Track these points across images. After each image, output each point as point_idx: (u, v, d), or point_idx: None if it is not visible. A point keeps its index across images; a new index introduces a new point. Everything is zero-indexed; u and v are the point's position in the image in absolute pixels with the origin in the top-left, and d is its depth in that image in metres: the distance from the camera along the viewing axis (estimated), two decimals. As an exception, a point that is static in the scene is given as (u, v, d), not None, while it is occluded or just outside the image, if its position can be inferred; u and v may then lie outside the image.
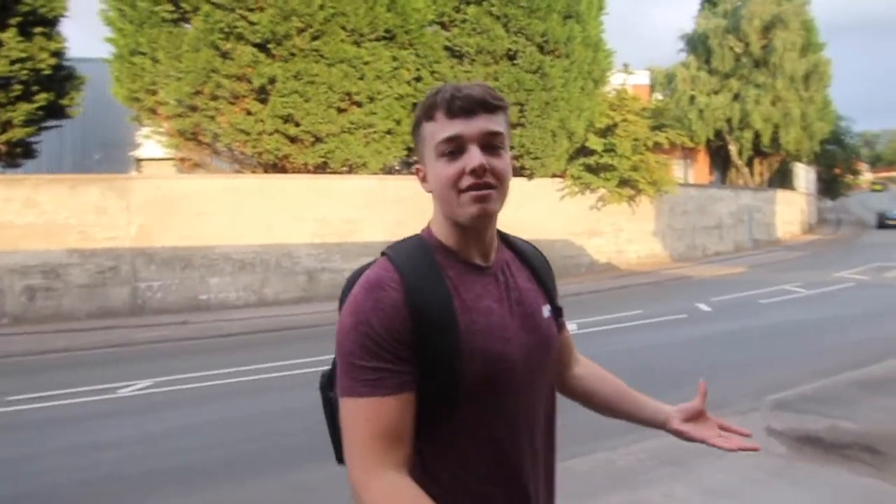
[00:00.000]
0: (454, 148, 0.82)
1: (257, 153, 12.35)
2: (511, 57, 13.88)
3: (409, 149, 14.58)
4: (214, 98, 11.63)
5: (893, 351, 5.58)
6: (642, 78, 24.77)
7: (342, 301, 0.86)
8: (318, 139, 12.33)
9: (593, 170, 15.83)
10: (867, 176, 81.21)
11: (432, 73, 13.62)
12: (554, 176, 15.74)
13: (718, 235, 21.42)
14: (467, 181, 0.81)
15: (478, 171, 0.80)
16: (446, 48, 13.68)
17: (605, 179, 16.12)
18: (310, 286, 12.77)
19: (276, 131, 11.90)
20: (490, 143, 0.82)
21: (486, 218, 0.84)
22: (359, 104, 12.60)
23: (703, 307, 9.28)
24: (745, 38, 26.49)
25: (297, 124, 11.89)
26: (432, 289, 0.81)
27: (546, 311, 0.93)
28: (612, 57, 16.01)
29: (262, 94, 11.79)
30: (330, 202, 12.82)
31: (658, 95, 26.40)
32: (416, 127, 0.88)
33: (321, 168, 12.95)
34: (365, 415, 0.76)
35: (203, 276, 11.68)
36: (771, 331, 7.57)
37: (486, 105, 0.82)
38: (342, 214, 12.93)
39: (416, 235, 0.91)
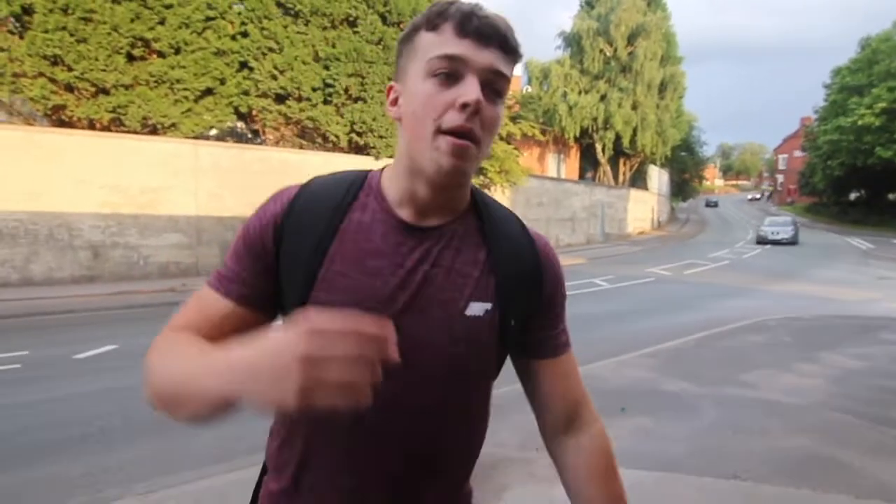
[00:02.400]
0: (451, 71, 0.64)
1: (30, 100, 9.94)
2: (351, 23, 12.58)
3: (239, 114, 12.90)
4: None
5: (637, 344, 5.35)
6: (515, 69, 24.66)
7: None
8: (101, 90, 10.19)
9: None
10: (719, 182, 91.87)
11: (262, 29, 11.94)
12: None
13: (571, 228, 22.05)
14: (452, 119, 0.64)
15: (471, 108, 0.63)
16: (279, 4, 12.04)
17: (457, 165, 15.62)
18: (95, 263, 10.67)
19: (41, 74, 9.59)
20: (493, 86, 0.66)
21: (456, 176, 0.67)
22: (161, 54, 10.61)
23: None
24: (614, 42, 27.46)
25: (70, 69, 9.67)
26: (318, 218, 0.70)
27: (478, 308, 0.71)
28: (468, 39, 15.28)
29: (19, 26, 9.40)
30: (125, 167, 10.74)
31: (529, 88, 26.57)
32: (409, 36, 0.69)
33: (117, 126, 10.81)
34: (200, 298, 0.73)
35: (-70, 247, 9.22)
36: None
37: (505, 40, 0.66)
38: (141, 182, 10.91)
39: (357, 171, 0.77)
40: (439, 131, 0.64)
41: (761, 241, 22.17)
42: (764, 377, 4.47)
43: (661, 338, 5.90)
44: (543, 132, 27.98)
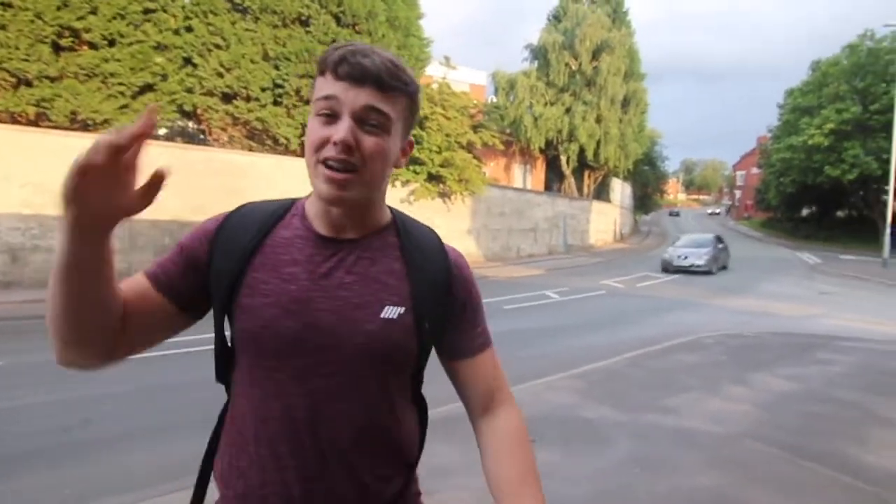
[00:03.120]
0: (329, 110, 0.74)
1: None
2: (303, 23, 12.12)
3: (184, 113, 12.23)
4: None
5: (571, 363, 5.01)
6: (479, 78, 24.58)
7: None
8: (23, 81, 9.42)
9: (403, 161, 14.79)
10: (682, 196, 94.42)
11: (207, 24, 11.35)
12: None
13: (534, 238, 21.92)
14: (328, 152, 0.73)
15: (340, 146, 0.72)
16: (226, -1, 11.49)
17: (415, 173, 15.26)
18: (13, 268, 9.83)
19: (-49, 62, 8.80)
20: (368, 120, 0.74)
21: (339, 202, 0.76)
22: (93, 45, 9.92)
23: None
24: (579, 57, 27.71)
25: (-15, 57, 8.91)
26: (242, 235, 0.80)
27: (391, 311, 0.78)
28: (428, 46, 15.00)
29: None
30: (50, 165, 9.96)
31: (494, 98, 26.53)
32: (315, 77, 0.79)
33: (43, 121, 10.02)
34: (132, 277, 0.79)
35: None
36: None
37: (378, 80, 0.74)
38: (69, 180, 10.15)
39: (289, 199, 0.87)
40: (318, 163, 0.74)
41: (666, 268, 15.98)
42: (689, 402, 4.20)
43: (598, 356, 5.62)
44: (509, 143, 27.97)
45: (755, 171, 45.60)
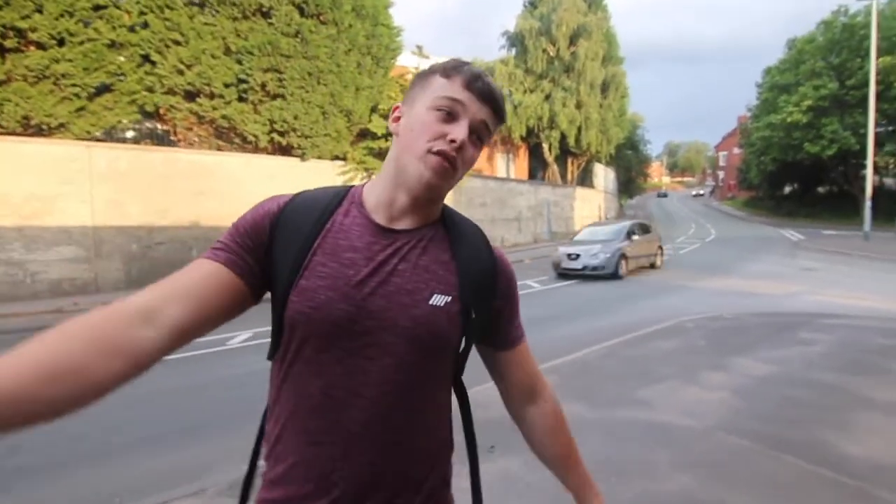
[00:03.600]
0: (451, 110, 0.79)
1: None
2: (265, 14, 11.65)
3: (146, 113, 11.73)
4: None
5: (547, 355, 4.75)
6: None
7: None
8: (-34, 85, 8.91)
9: (378, 154, 14.41)
10: (666, 179, 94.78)
11: (164, 20, 10.84)
12: (336, 158, 14.02)
13: (518, 228, 21.69)
14: (442, 145, 0.78)
15: (456, 144, 0.78)
16: (183, -8, 10.98)
17: (391, 166, 14.92)
18: (-32, 281, 9.39)
19: None
20: (479, 133, 0.82)
21: (432, 188, 0.80)
22: (40, 45, 9.41)
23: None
24: (556, 42, 27.38)
25: (-77, 61, 8.39)
26: (306, 219, 0.81)
27: (440, 299, 0.81)
28: (399, 35, 14.59)
29: None
30: (4, 172, 9.49)
31: (471, 87, 26.06)
32: (425, 75, 0.84)
33: (-6, 127, 9.51)
34: (189, 267, 0.77)
35: None
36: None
37: (497, 105, 0.83)
38: (25, 189, 9.67)
39: (344, 186, 0.89)
40: (429, 151, 0.78)
41: (556, 270, 12.10)
42: (664, 393, 3.96)
43: (574, 347, 5.38)
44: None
45: (737, 151, 45.76)
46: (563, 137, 27.48)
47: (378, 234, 0.81)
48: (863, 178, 21.86)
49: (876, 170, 31.08)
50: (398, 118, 0.84)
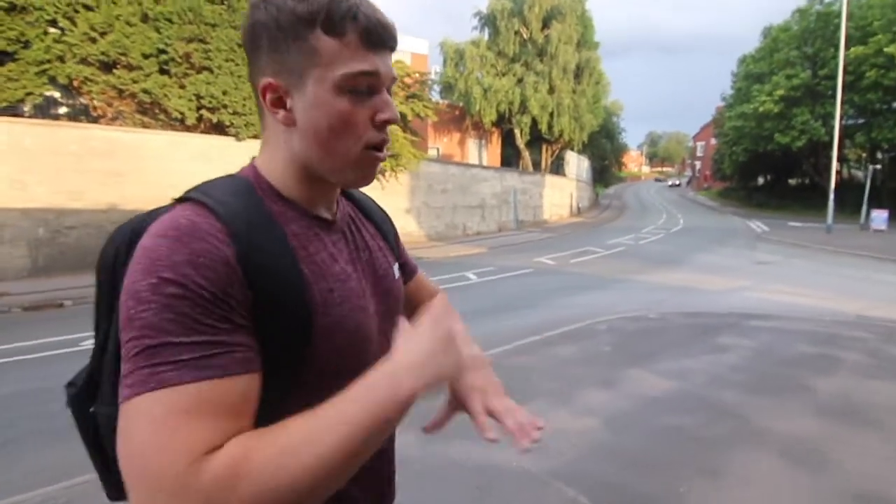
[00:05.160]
0: (367, 86, 0.61)
1: None
2: (186, -22, 10.58)
3: (58, 85, 10.65)
4: None
5: None
6: (421, 47, 23.10)
7: (108, 266, 0.63)
8: None
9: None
10: (646, 169, 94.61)
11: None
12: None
13: (481, 215, 20.93)
14: (374, 136, 0.63)
15: (389, 125, 0.64)
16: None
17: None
18: None
19: None
20: (390, 90, 0.64)
21: (367, 183, 0.67)
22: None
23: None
24: (529, 24, 26.40)
25: None
26: (272, 248, 0.58)
27: (396, 271, 0.77)
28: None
29: None
30: None
31: (437, 68, 25.16)
32: (295, 30, 0.59)
33: None
34: (181, 405, 0.48)
35: None
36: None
37: (396, 43, 0.64)
38: None
39: (233, 176, 0.64)
40: (363, 148, 0.63)
41: None
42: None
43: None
44: (461, 117, 26.69)
45: (714, 141, 45.38)
46: (535, 123, 26.67)
47: (331, 232, 0.68)
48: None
49: (846, 161, 30.89)
50: (280, 101, 0.61)
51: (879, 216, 19.68)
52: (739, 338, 5.18)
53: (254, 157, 0.67)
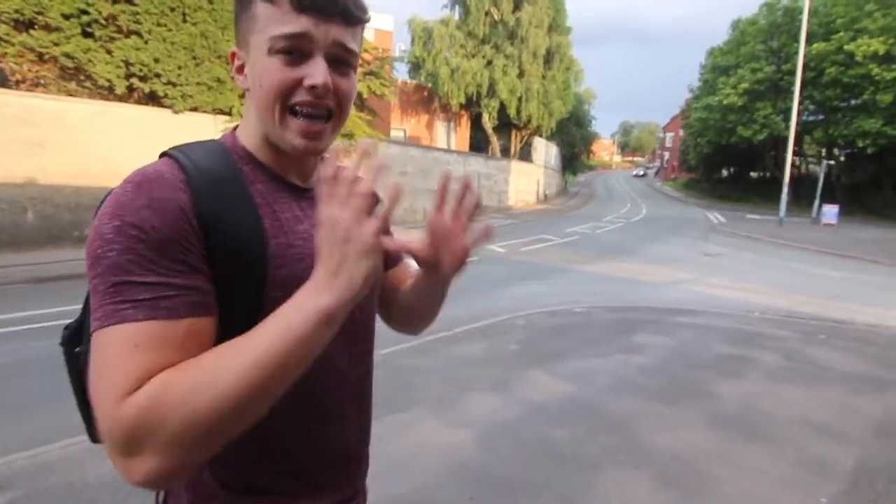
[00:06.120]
0: (294, 48, 0.62)
1: None
2: (109, -68, 9.63)
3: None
4: None
5: None
6: (386, 23, 22.21)
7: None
8: None
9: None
10: (617, 158, 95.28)
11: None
12: (220, 113, 12.25)
13: (443, 199, 20.49)
14: (301, 96, 0.63)
15: (319, 91, 0.63)
16: None
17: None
18: None
19: None
20: (340, 58, 0.64)
21: (310, 152, 0.67)
22: None
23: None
24: (500, 6, 25.71)
25: None
26: (233, 200, 0.62)
27: None
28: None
29: None
30: None
31: (402, 45, 24.35)
32: (242, 1, 0.64)
33: None
34: (134, 340, 0.52)
35: None
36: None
37: (346, 12, 0.63)
38: None
39: (213, 140, 0.68)
40: (288, 110, 0.63)
41: None
42: (388, 432, 2.87)
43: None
44: (429, 98, 25.96)
45: (682, 132, 45.74)
46: (504, 108, 26.17)
47: (305, 197, 0.70)
48: (791, 164, 21.71)
49: (804, 157, 31.45)
50: (241, 67, 0.67)
51: (830, 211, 20.02)
52: (659, 335, 4.92)
53: (236, 127, 0.70)
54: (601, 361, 4.16)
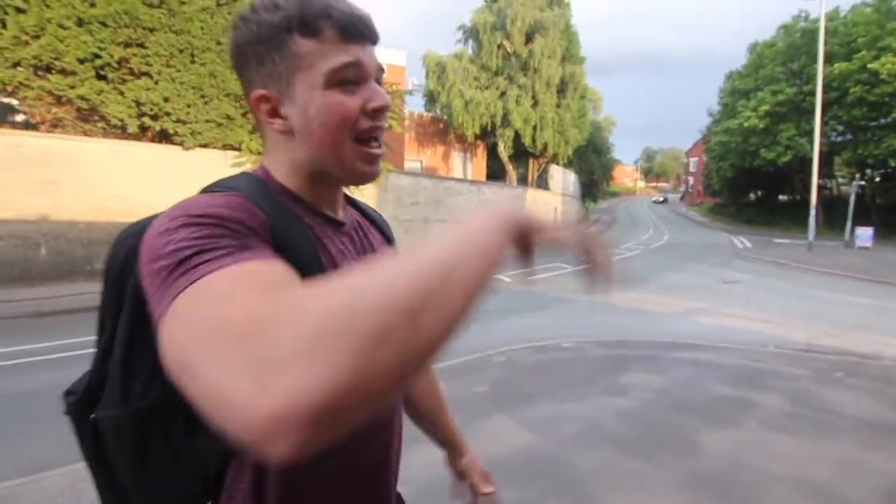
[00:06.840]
0: (352, 78, 0.62)
1: None
2: (122, -19, 10.10)
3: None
4: None
5: None
6: (398, 58, 22.62)
7: (115, 271, 0.62)
8: None
9: (280, 145, 12.92)
10: (641, 184, 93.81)
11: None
12: (230, 148, 12.49)
13: (456, 228, 20.31)
14: (366, 123, 0.63)
15: (382, 113, 0.64)
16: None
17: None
18: None
19: None
20: (379, 80, 0.65)
21: (373, 178, 0.67)
22: None
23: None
24: (512, 38, 26.02)
25: None
26: (293, 229, 0.61)
27: None
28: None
29: None
30: None
31: (415, 80, 24.75)
32: (274, 39, 0.60)
33: None
34: (233, 275, 0.43)
35: None
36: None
37: (375, 35, 0.65)
38: None
39: (249, 174, 0.66)
40: (356, 139, 0.64)
41: None
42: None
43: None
44: (445, 131, 26.21)
45: (704, 157, 44.80)
46: (518, 137, 26.14)
47: (343, 232, 0.70)
48: (818, 186, 20.78)
49: (834, 178, 30.13)
50: (273, 111, 0.63)
51: (864, 233, 18.89)
52: (651, 374, 4.45)
53: (265, 164, 0.68)
54: (577, 406, 3.73)
